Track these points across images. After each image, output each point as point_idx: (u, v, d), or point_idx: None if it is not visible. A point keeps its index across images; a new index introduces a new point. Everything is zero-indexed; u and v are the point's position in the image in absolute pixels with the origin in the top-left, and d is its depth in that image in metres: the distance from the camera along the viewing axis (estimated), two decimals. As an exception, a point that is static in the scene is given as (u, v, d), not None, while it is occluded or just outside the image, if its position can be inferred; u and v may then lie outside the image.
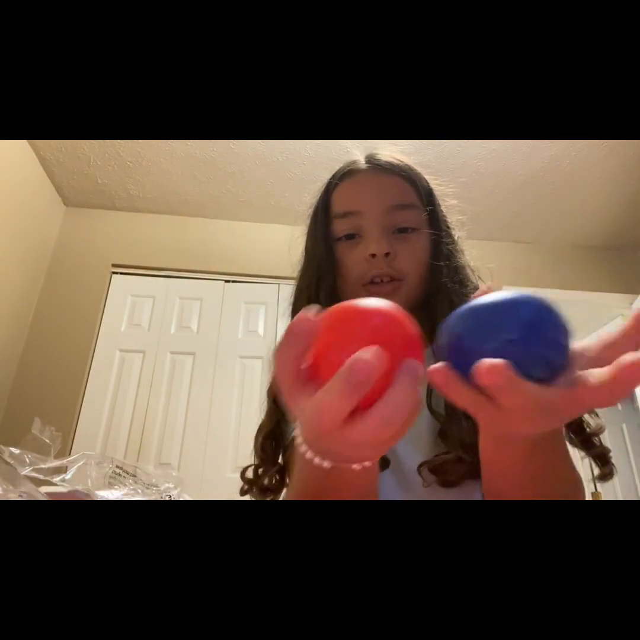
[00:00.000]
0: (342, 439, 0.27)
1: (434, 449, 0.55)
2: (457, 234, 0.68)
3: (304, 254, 0.71)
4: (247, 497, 0.62)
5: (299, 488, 0.40)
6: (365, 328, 0.28)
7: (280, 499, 0.61)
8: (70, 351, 2.42)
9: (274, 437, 0.62)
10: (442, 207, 0.68)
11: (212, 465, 2.28)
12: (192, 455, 2.31)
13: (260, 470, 0.61)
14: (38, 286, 2.52)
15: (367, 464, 0.31)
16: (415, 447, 0.56)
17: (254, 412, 2.65)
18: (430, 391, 0.55)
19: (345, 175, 0.69)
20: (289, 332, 0.28)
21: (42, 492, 0.48)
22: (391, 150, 0.69)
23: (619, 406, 2.90)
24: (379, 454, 0.31)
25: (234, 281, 2.73)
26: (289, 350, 0.27)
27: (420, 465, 0.54)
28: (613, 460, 0.50)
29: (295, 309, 0.69)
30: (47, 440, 0.52)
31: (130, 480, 0.56)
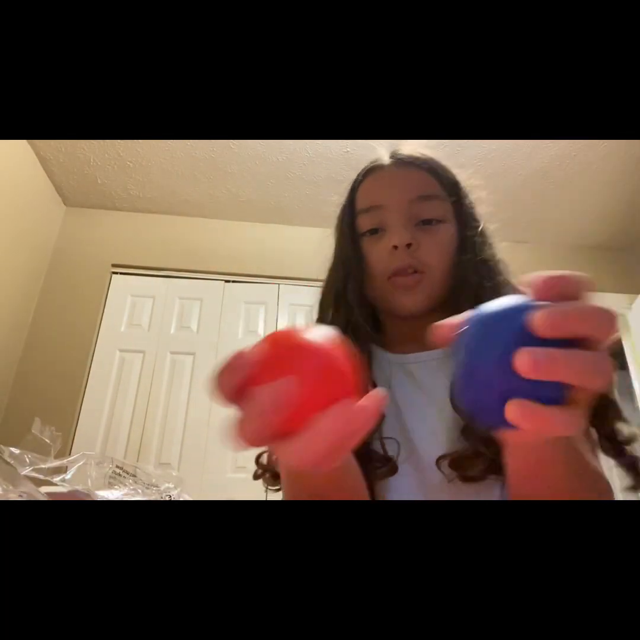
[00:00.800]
0: (277, 454, 0.30)
1: (455, 446, 0.53)
2: (485, 226, 0.66)
3: (333, 252, 0.72)
4: (259, 482, 0.61)
5: (285, 489, 0.45)
6: (300, 364, 0.29)
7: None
8: (70, 351, 2.42)
9: None
10: (469, 199, 0.68)
11: (212, 466, 2.28)
12: (192, 455, 2.31)
13: (274, 457, 0.62)
14: (38, 286, 2.52)
15: (334, 465, 0.32)
16: (436, 443, 0.55)
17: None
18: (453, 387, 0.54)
19: (369, 171, 0.68)
20: (229, 362, 0.29)
21: (42, 492, 0.48)
22: (415, 145, 0.69)
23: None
24: (323, 466, 0.30)
25: (234, 281, 2.73)
26: (225, 378, 0.29)
27: (439, 459, 0.53)
28: None
29: (322, 306, 0.69)
30: (47, 441, 0.52)
31: (131, 481, 0.56)
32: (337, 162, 2.43)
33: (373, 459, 0.54)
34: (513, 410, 0.26)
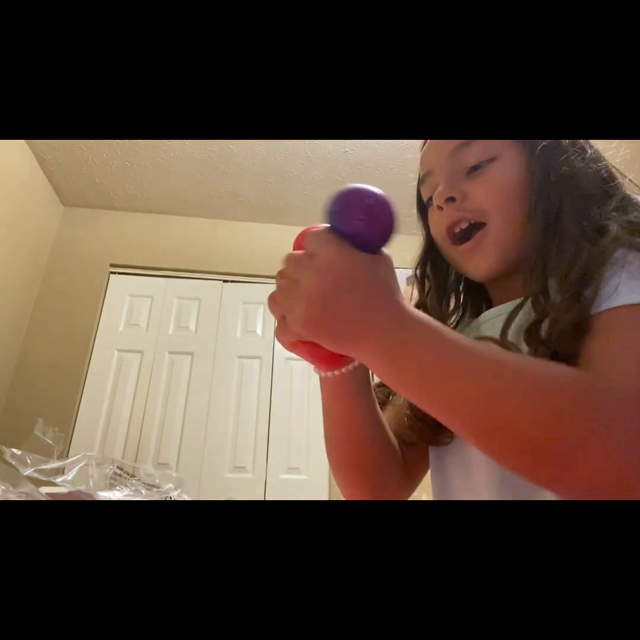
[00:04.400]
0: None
1: None
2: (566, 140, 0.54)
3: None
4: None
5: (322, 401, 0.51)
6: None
7: None
8: (68, 351, 2.42)
9: None
10: None
11: (210, 466, 2.28)
12: (190, 455, 2.31)
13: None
14: (36, 286, 2.52)
15: (343, 370, 0.45)
16: None
17: (252, 412, 2.63)
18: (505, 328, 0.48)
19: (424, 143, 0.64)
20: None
21: (42, 493, 0.48)
22: None
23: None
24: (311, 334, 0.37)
25: (232, 281, 2.73)
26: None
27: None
28: None
29: (420, 282, 0.65)
30: (50, 441, 0.52)
31: (131, 481, 0.56)
32: (335, 162, 2.43)
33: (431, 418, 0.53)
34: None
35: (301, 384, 2.49)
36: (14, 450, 0.48)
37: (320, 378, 0.48)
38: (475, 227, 0.53)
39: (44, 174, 2.50)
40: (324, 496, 2.28)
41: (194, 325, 2.60)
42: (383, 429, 0.54)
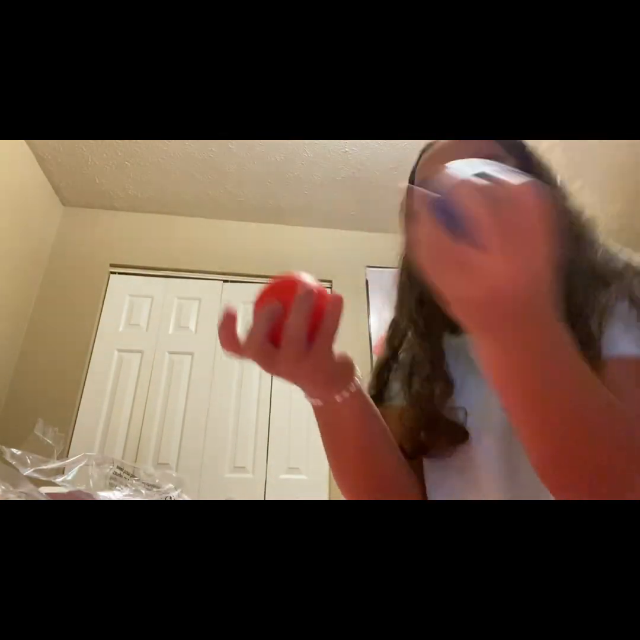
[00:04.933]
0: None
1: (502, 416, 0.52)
2: (563, 179, 0.59)
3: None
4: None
5: (320, 428, 0.50)
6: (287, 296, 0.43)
7: None
8: (68, 351, 2.42)
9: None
10: (538, 155, 0.62)
11: (210, 466, 2.28)
12: (190, 455, 2.31)
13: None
14: (36, 286, 2.52)
15: (345, 394, 0.45)
16: (487, 413, 0.54)
17: (252, 412, 2.63)
18: None
19: (425, 149, 0.65)
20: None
21: (42, 493, 0.48)
22: None
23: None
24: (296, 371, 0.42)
25: (232, 281, 2.73)
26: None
27: None
28: None
29: (398, 302, 0.66)
30: (50, 441, 0.52)
31: (131, 481, 0.56)
32: (335, 162, 2.43)
33: (443, 427, 0.54)
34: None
35: (301, 384, 2.49)
36: (14, 450, 0.48)
37: (325, 408, 0.47)
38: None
39: (44, 174, 2.49)
40: (324, 496, 2.28)
41: (194, 325, 2.60)
42: (394, 443, 0.54)
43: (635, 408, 0.38)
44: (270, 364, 0.42)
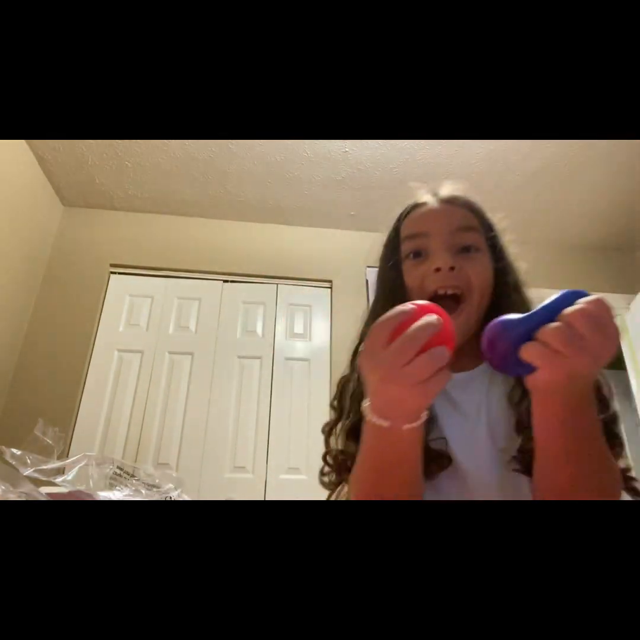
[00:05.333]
0: (403, 373, 0.40)
1: (509, 442, 0.60)
2: (513, 260, 0.74)
3: (376, 281, 0.77)
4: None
5: (365, 450, 0.52)
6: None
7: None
8: (68, 351, 2.42)
9: (355, 430, 0.66)
10: (501, 236, 0.74)
11: (210, 466, 2.28)
12: (190, 455, 2.30)
13: (340, 457, 0.71)
14: (36, 286, 2.52)
15: (415, 424, 0.45)
16: (472, 451, 0.61)
17: (253, 413, 2.63)
18: (512, 389, 0.62)
19: (414, 206, 0.74)
20: (393, 313, 0.42)
21: (42, 493, 0.48)
22: (454, 186, 0.76)
23: (617, 405, 2.90)
24: (422, 401, 0.44)
25: (232, 281, 2.73)
26: (386, 324, 0.42)
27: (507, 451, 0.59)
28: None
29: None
30: (50, 442, 0.52)
31: (131, 481, 0.56)
32: (335, 162, 2.43)
33: (432, 455, 0.60)
34: (527, 349, 0.40)
35: (301, 384, 2.49)
36: (14, 450, 0.48)
37: (389, 430, 0.47)
38: (455, 297, 0.65)
39: (43, 174, 2.49)
40: (324, 496, 2.28)
41: (194, 325, 2.60)
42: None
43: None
44: (398, 372, 0.42)
